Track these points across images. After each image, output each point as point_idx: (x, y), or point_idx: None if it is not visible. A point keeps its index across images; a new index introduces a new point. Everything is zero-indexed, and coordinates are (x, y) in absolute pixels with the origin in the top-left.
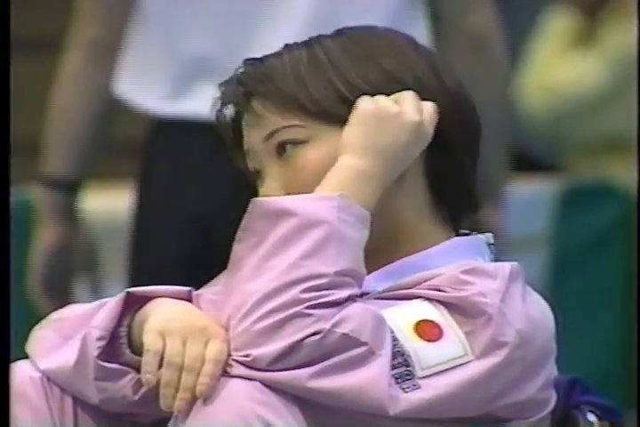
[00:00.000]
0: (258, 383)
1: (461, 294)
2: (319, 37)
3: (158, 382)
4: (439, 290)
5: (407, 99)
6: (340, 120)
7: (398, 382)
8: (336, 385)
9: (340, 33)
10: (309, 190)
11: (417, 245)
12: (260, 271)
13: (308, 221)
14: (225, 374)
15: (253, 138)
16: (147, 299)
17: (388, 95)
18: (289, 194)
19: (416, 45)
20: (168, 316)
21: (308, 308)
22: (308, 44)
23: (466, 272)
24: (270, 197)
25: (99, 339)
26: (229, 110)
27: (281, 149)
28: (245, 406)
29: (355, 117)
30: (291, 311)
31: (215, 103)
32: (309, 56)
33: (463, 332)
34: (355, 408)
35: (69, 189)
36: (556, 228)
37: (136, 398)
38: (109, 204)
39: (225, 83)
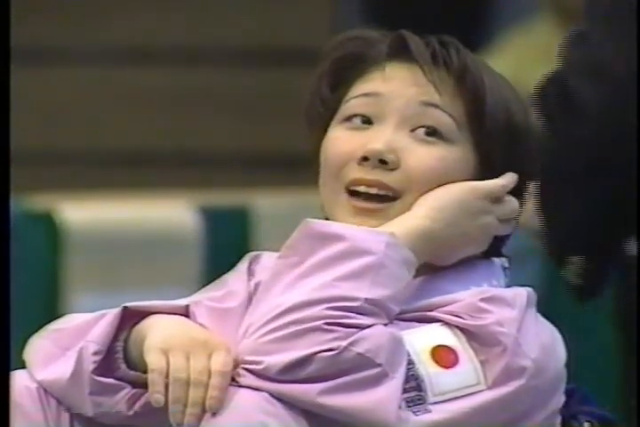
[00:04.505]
0: (266, 394)
1: (479, 322)
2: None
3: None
4: (458, 316)
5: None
6: None
7: (409, 406)
8: (345, 403)
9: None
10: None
11: (432, 266)
12: (294, 287)
13: (355, 249)
14: (233, 383)
15: (408, 94)
16: (144, 313)
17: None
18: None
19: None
20: (167, 332)
21: (328, 324)
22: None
23: (484, 300)
24: (322, 221)
25: (94, 354)
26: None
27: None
28: (253, 417)
29: (461, 185)
30: (310, 325)
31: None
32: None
33: (479, 360)
34: None
35: None
36: None
37: (131, 412)
38: (105, 214)
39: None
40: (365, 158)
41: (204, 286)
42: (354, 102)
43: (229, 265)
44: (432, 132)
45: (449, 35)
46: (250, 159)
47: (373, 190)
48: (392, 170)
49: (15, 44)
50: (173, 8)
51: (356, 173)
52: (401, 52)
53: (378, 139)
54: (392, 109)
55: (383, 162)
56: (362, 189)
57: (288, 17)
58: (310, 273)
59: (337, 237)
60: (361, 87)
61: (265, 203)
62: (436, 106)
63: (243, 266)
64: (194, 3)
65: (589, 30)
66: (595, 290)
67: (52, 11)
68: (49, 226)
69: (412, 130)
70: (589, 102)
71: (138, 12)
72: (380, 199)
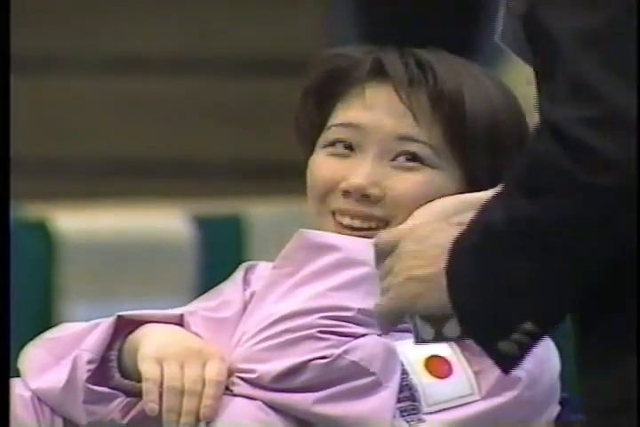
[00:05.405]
0: (260, 403)
1: None
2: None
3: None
4: None
5: None
6: None
7: (403, 416)
8: (340, 412)
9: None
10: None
11: None
12: (288, 296)
13: (350, 259)
14: (228, 392)
15: (385, 128)
16: (138, 322)
17: None
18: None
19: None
20: (161, 342)
21: (322, 332)
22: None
23: None
24: (317, 232)
25: (89, 362)
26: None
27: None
28: (248, 426)
29: (457, 197)
30: (304, 333)
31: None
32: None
33: (472, 370)
34: None
35: None
36: None
37: (124, 421)
38: (99, 223)
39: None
40: (348, 192)
41: (198, 294)
42: (335, 130)
43: (223, 274)
44: (413, 158)
45: (448, 38)
46: (243, 168)
47: (357, 223)
48: (376, 201)
49: (13, 54)
50: (172, 18)
51: (340, 204)
52: (381, 73)
53: (357, 172)
54: (371, 142)
55: (366, 196)
56: (346, 221)
57: (284, 27)
58: (305, 282)
59: (332, 248)
60: (343, 114)
61: (258, 212)
62: (413, 139)
63: (238, 276)
64: (192, 13)
65: (593, 76)
66: (522, 360)
67: (50, 20)
68: (43, 235)
69: (393, 159)
70: (609, 152)
71: (137, 21)
72: (365, 230)
